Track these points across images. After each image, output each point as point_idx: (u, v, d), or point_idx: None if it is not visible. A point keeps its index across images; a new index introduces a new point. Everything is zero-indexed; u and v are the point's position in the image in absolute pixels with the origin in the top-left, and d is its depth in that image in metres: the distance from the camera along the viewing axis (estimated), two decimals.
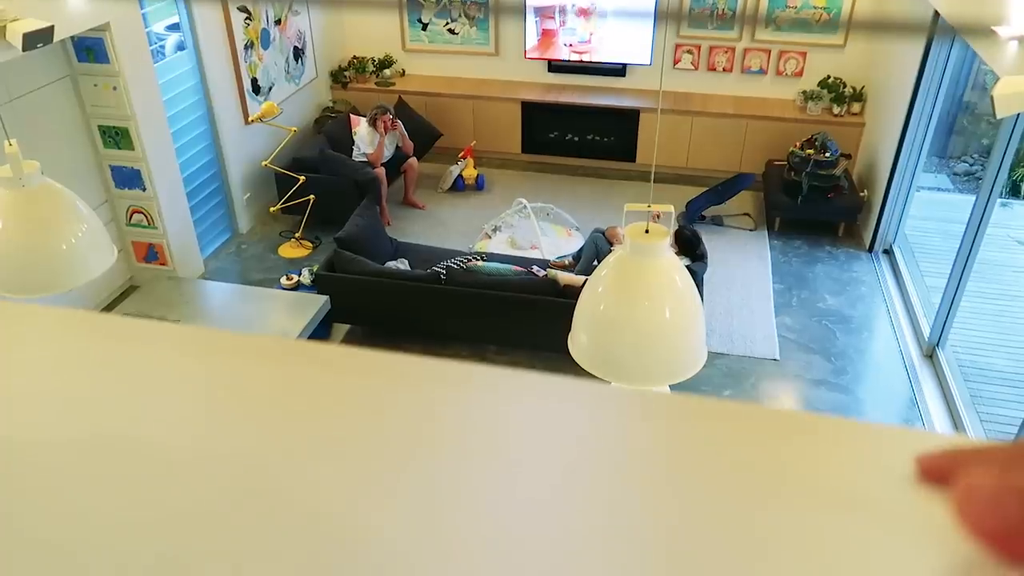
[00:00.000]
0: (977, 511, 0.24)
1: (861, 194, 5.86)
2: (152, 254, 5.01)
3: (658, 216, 1.86)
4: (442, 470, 0.29)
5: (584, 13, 6.46)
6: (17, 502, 0.28)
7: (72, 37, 4.18)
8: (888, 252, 5.67)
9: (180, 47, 5.19)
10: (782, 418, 0.33)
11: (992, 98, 3.16)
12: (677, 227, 4.80)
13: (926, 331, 4.68)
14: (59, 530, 0.27)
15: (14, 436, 0.31)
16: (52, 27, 3.46)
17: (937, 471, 0.26)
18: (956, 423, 4.08)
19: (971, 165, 7.49)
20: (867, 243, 5.74)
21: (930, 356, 4.60)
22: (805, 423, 0.32)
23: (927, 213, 6.50)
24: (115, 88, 4.42)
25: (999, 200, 4.28)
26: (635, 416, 0.32)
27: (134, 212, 4.87)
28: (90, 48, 4.32)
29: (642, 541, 0.26)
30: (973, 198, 4.38)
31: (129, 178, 4.75)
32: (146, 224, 4.89)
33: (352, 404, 0.33)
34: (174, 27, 5.15)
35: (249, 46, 5.67)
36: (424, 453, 0.30)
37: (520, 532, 0.26)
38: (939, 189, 7.38)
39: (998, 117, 3.28)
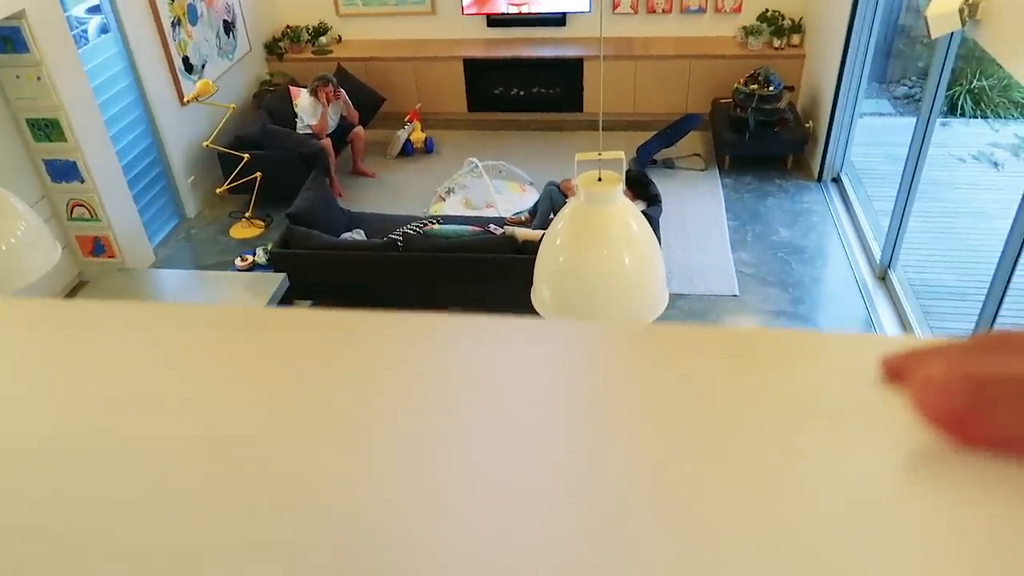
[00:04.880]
0: (930, 398, 0.25)
1: (806, 125, 5.94)
2: (99, 247, 4.87)
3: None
4: (424, 422, 0.29)
5: None
6: None
7: None
8: (836, 180, 5.78)
9: (103, 30, 4.98)
10: (742, 335, 0.33)
11: (926, 19, 3.21)
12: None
13: (877, 254, 4.80)
14: (36, 532, 0.26)
15: None
16: None
17: (899, 370, 0.28)
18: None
19: (910, 88, 7.62)
20: (815, 173, 5.83)
21: (882, 278, 4.73)
22: (764, 337, 0.33)
23: (871, 139, 6.61)
24: (39, 78, 4.24)
25: (939, 120, 4.37)
26: (598, 347, 0.33)
27: (75, 205, 4.72)
28: (7, 38, 4.13)
29: (621, 469, 0.26)
30: (914, 120, 4.46)
31: (65, 171, 4.58)
32: (89, 217, 4.75)
33: (329, 366, 0.33)
34: (94, 9, 4.93)
35: (176, 23, 5.47)
36: (405, 407, 0.30)
37: (506, 474, 0.26)
38: (881, 114, 7.50)
39: (932, 37, 3.33)
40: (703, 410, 0.28)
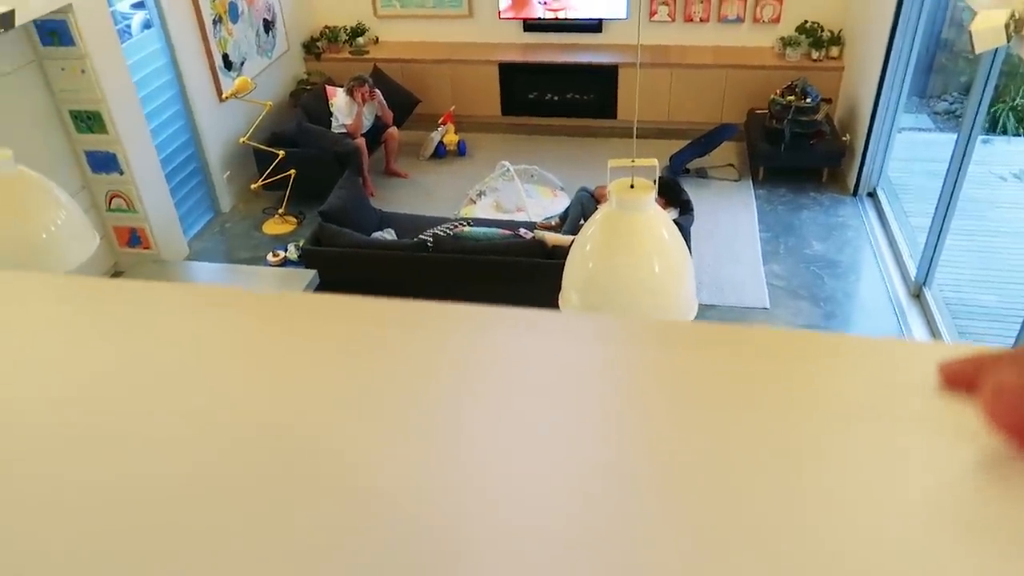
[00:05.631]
0: (1006, 408, 0.25)
1: (843, 138, 5.86)
2: (135, 238, 4.96)
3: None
4: (450, 409, 0.29)
5: None
6: (28, 477, 0.28)
7: (34, 21, 4.08)
8: (872, 195, 5.69)
9: (147, 25, 5.07)
10: (797, 338, 0.33)
11: (970, 33, 3.15)
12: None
13: (912, 271, 4.72)
14: (69, 504, 0.26)
15: (24, 409, 0.30)
16: (13, 11, 3.38)
17: (960, 377, 0.27)
18: None
19: (951, 103, 7.49)
20: (851, 187, 5.75)
21: (917, 295, 4.64)
22: (820, 341, 0.33)
23: (909, 154, 6.51)
24: (83, 71, 4.33)
25: (980, 137, 4.29)
26: (645, 344, 0.32)
27: (113, 197, 4.81)
28: (54, 31, 4.22)
29: (667, 466, 0.26)
30: (954, 136, 4.38)
31: (105, 162, 4.67)
32: (126, 208, 4.84)
33: (357, 351, 0.33)
34: (139, 5, 5.03)
35: (217, 21, 5.56)
36: (432, 394, 0.30)
37: (535, 467, 0.26)
38: (920, 129, 7.38)
39: (976, 52, 3.27)
40: (761, 412, 0.28)
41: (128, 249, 4.99)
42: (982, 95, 4.00)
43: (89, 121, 4.52)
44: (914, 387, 0.28)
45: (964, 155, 4.13)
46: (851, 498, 0.24)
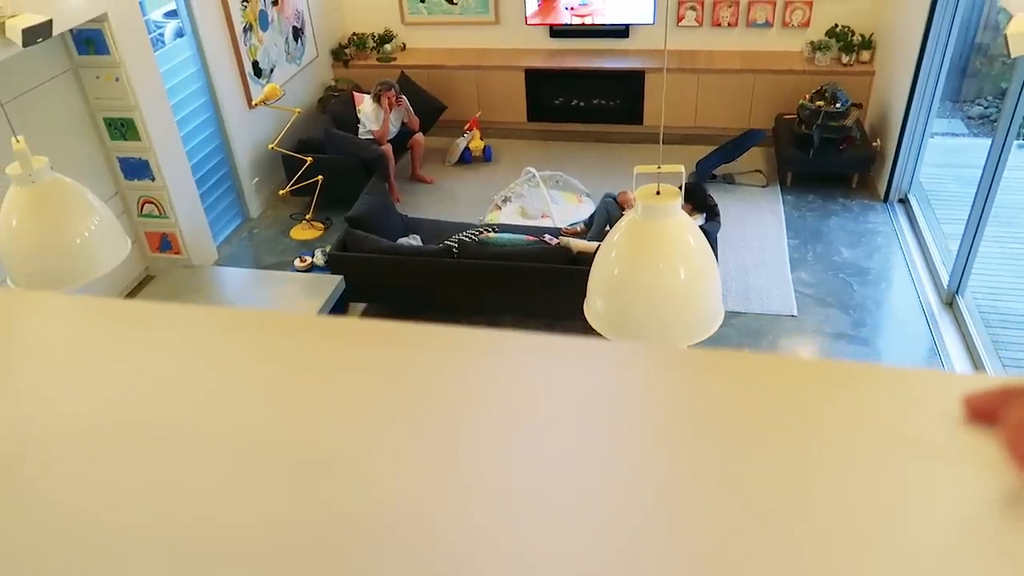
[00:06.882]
0: None
1: (874, 144, 5.78)
2: (166, 243, 5.04)
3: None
4: (467, 433, 0.29)
5: None
6: (55, 489, 0.28)
7: (71, 30, 4.17)
8: (903, 201, 5.60)
9: (179, 34, 5.16)
10: (822, 367, 0.33)
11: (1006, 37, 3.09)
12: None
13: (945, 279, 4.64)
14: (97, 516, 0.27)
15: (50, 423, 0.31)
16: (50, 21, 3.45)
17: (985, 410, 0.27)
18: (978, 370, 4.06)
19: (985, 108, 7.35)
20: (882, 193, 5.67)
21: (950, 304, 4.56)
22: (846, 371, 0.32)
23: (942, 159, 6.40)
24: (117, 79, 4.42)
25: (1016, 142, 4.21)
26: (667, 371, 0.32)
27: (145, 202, 4.89)
28: (90, 40, 4.31)
29: (688, 490, 0.26)
30: (989, 141, 4.31)
31: (137, 169, 4.76)
32: (158, 214, 4.91)
33: (379, 374, 0.33)
34: (172, 14, 5.12)
35: (248, 28, 5.63)
36: (448, 418, 0.30)
37: (552, 492, 0.26)
38: (953, 134, 7.25)
39: (1012, 56, 3.21)
40: (786, 443, 0.27)
41: (159, 254, 5.07)
42: (1018, 99, 3.93)
43: (122, 128, 4.61)
44: (939, 418, 0.27)
45: (999, 161, 4.06)
46: (874, 528, 0.24)
